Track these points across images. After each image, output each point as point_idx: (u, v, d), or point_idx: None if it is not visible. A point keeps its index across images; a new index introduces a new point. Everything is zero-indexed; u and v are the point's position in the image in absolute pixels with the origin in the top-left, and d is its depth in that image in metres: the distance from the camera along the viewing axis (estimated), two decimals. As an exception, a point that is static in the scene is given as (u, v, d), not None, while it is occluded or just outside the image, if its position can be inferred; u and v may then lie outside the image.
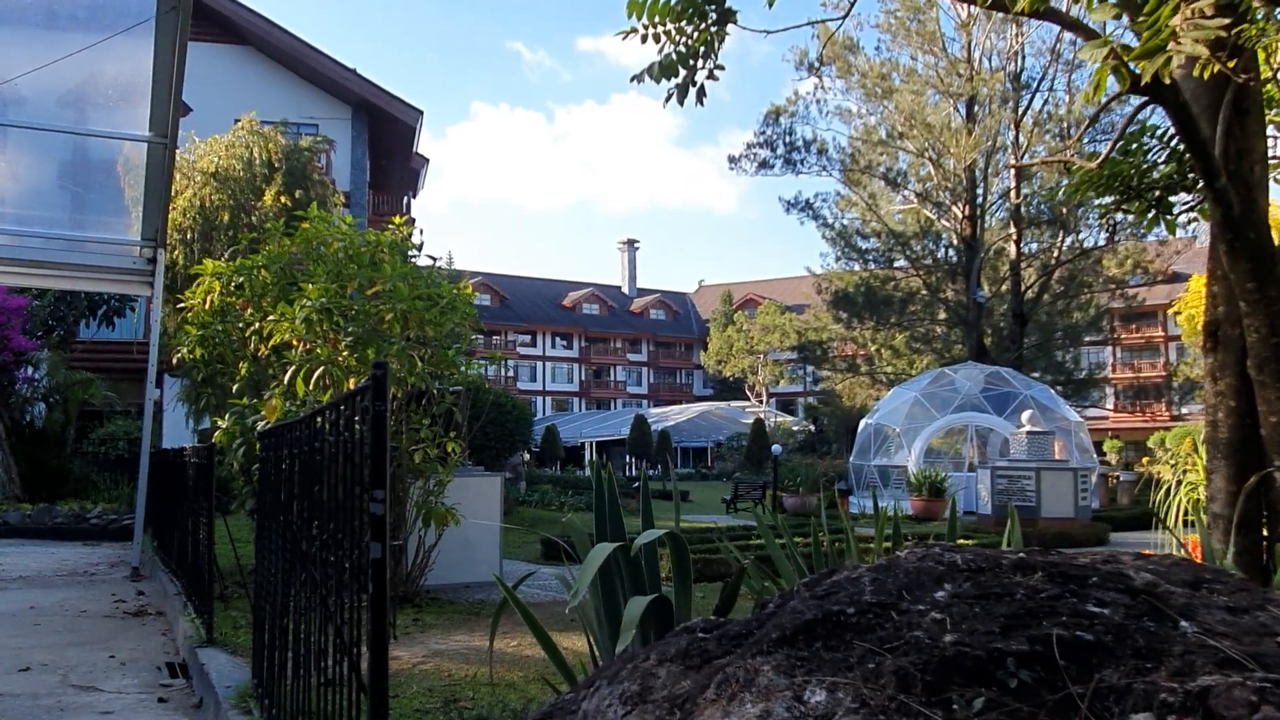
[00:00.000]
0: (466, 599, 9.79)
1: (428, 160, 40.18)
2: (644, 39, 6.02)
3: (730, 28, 6.14)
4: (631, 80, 6.25)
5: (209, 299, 9.66)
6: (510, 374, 76.64)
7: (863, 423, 26.69)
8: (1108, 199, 5.58)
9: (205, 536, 7.23)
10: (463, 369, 9.41)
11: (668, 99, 6.11)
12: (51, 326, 21.74)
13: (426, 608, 9.03)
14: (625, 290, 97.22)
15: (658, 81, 6.15)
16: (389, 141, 35.28)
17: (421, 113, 33.87)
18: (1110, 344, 55.94)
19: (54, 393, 19.24)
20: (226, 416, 9.70)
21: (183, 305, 9.98)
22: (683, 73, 6.06)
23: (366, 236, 9.69)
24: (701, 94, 6.03)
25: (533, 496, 22.41)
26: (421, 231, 10.14)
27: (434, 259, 9.84)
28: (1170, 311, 34.57)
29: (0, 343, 18.09)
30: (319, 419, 3.69)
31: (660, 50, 6.16)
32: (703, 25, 5.88)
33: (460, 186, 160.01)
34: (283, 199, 15.35)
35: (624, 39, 6.04)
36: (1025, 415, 18.64)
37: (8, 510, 16.99)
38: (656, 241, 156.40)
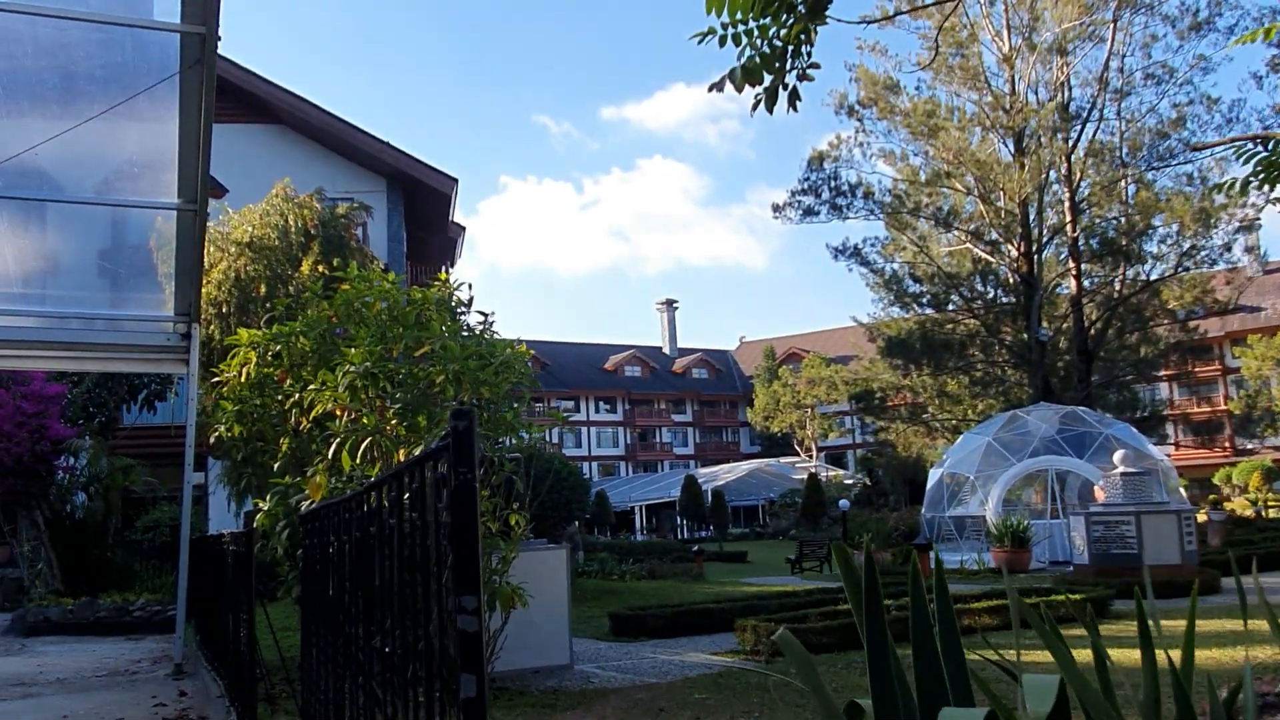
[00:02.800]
0: (537, 687, 8.87)
1: (464, 229, 39.82)
2: (723, 41, 5.25)
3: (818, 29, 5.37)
4: (710, 89, 5.47)
5: (245, 371, 8.94)
6: (556, 441, 75.85)
7: (932, 472, 25.50)
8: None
9: (246, 635, 6.39)
10: (523, 434, 8.60)
11: (755, 106, 5.32)
12: (91, 413, 21.24)
13: (495, 700, 8.12)
14: (666, 350, 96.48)
15: (740, 89, 5.36)
16: (425, 212, 35.03)
17: (456, 181, 33.55)
18: (1171, 379, 54.24)
19: (94, 481, 18.65)
20: (268, 497, 8.95)
21: (218, 380, 9.28)
22: (768, 77, 5.29)
23: (412, 294, 8.97)
24: (795, 98, 5.23)
25: (592, 566, 21.45)
26: (471, 287, 9.44)
27: (485, 315, 9.09)
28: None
29: (38, 431, 17.57)
30: (374, 495, 2.85)
31: (740, 55, 5.40)
32: (790, 20, 5.10)
33: (494, 257, 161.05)
34: (321, 268, 14.72)
35: (700, 42, 5.27)
36: (1118, 455, 17.48)
37: (49, 605, 16.30)
38: (693, 301, 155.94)
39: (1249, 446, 62.98)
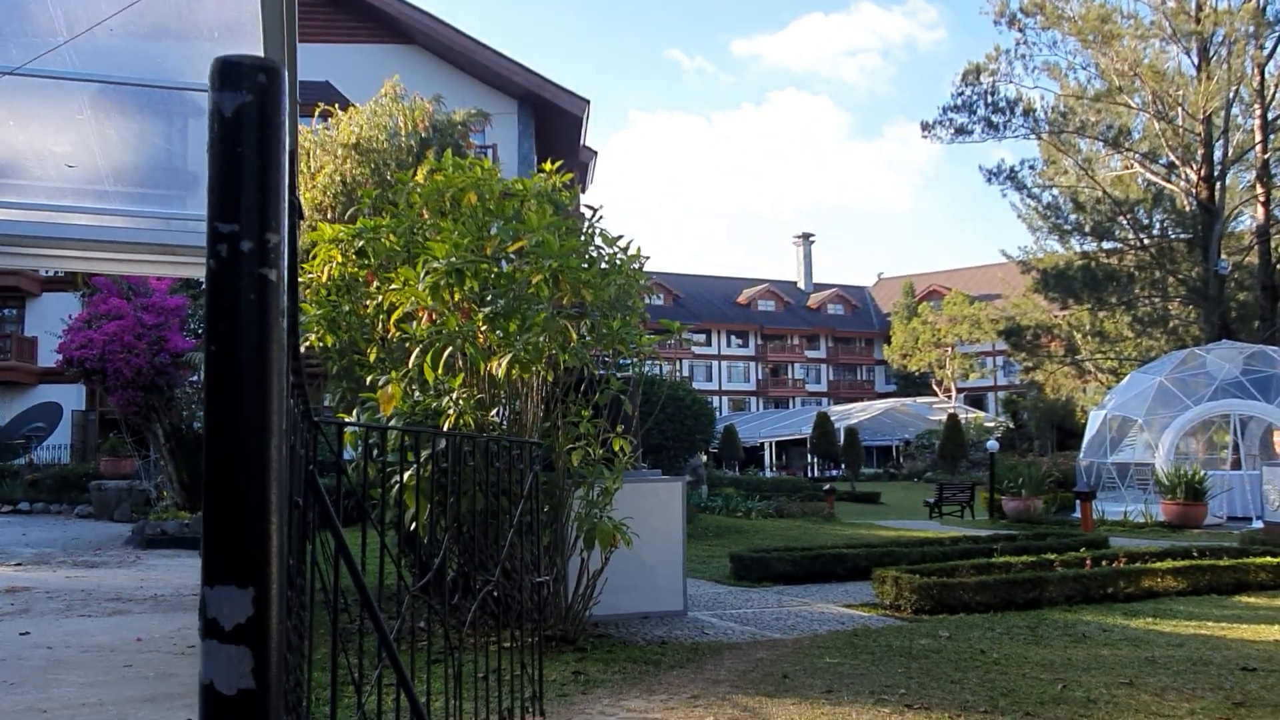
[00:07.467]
0: (643, 637, 7.79)
1: (596, 153, 38.71)
2: None
3: None
4: None
5: (327, 271, 8.00)
6: (685, 374, 74.85)
7: (1094, 414, 23.37)
8: None
9: (295, 562, 5.43)
10: (633, 346, 7.42)
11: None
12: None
13: (592, 651, 7.07)
14: (801, 285, 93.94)
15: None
16: (556, 134, 34.12)
17: (588, 102, 32.49)
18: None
19: (213, 396, 18.44)
20: (354, 413, 8.07)
21: (300, 282, 8.38)
22: None
23: (512, 185, 7.85)
24: None
25: (715, 502, 20.35)
26: (581, 185, 8.21)
27: (593, 209, 7.90)
28: None
29: (158, 344, 17.36)
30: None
31: None
32: None
33: (625, 191, 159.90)
34: (437, 177, 13.75)
35: None
36: (1324, 399, 15.39)
37: (167, 519, 16.29)
38: (829, 237, 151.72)
39: None
